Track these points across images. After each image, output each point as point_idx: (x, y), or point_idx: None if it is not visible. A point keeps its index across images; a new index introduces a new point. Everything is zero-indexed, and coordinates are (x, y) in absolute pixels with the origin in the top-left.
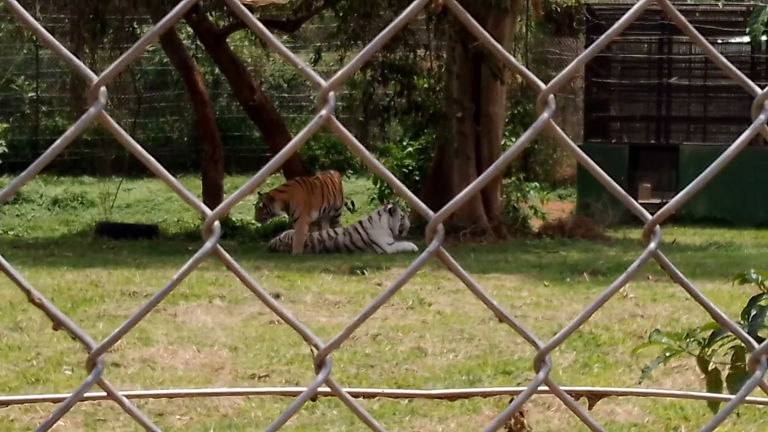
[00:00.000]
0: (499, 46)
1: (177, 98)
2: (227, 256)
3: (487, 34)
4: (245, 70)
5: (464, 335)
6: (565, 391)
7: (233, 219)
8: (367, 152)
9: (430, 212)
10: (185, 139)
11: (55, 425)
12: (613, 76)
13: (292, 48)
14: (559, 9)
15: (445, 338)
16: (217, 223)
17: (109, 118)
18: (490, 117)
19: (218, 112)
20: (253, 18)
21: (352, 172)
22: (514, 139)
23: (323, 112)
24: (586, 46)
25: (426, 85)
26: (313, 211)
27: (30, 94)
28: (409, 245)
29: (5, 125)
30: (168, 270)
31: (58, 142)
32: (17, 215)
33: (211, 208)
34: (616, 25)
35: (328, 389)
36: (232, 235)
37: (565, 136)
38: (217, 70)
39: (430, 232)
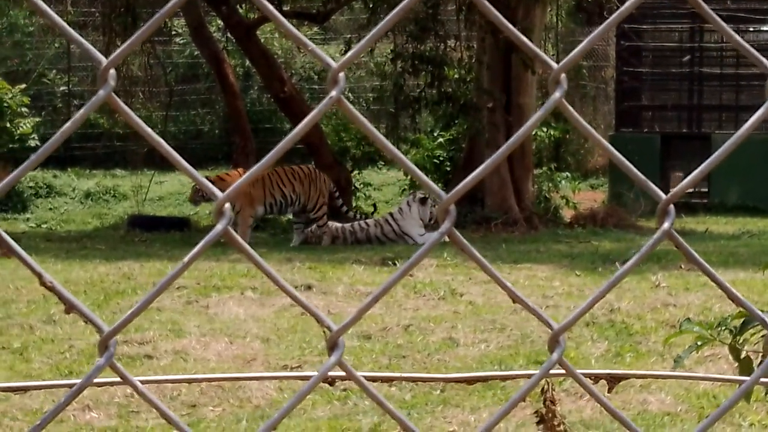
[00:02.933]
0: (509, 24)
1: (208, 91)
2: (238, 238)
3: (493, 9)
4: (276, 62)
5: (496, 325)
6: (585, 374)
7: None
8: (376, 132)
9: (442, 193)
10: (216, 131)
11: (88, 417)
12: (644, 65)
13: (321, 40)
14: None
15: (477, 328)
16: (227, 205)
17: (119, 101)
18: (521, 107)
19: (249, 105)
20: (267, 3)
21: (383, 163)
22: (545, 130)
23: (333, 93)
24: (617, 36)
25: (457, 76)
26: (256, 205)
27: (62, 88)
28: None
29: (37, 119)
30: (200, 262)
31: (66, 125)
32: (50, 209)
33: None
34: (627, 4)
35: (342, 373)
36: (264, 228)
37: (578, 116)
38: (247, 63)
39: (441, 212)
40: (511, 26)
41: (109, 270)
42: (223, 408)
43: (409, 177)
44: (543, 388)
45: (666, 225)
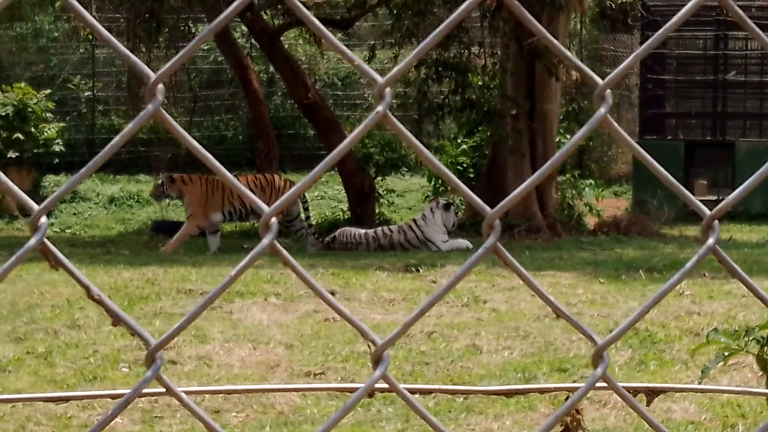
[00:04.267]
0: (557, 42)
1: (232, 96)
2: (285, 252)
3: (543, 29)
4: (299, 69)
5: (519, 332)
6: (623, 387)
7: None
8: (423, 148)
9: (487, 208)
10: (240, 137)
11: (112, 422)
12: (668, 72)
13: (345, 46)
14: (613, 5)
15: (500, 335)
16: (274, 219)
17: (167, 115)
18: (544, 114)
19: (273, 111)
20: (311, 15)
21: (406, 170)
22: (568, 137)
23: (379, 108)
24: (641, 43)
25: (480, 83)
26: (213, 212)
27: (86, 93)
28: (464, 242)
29: (62, 124)
30: (223, 268)
31: (116, 139)
32: (74, 214)
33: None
34: (674, 19)
35: (385, 385)
36: (287, 233)
37: (622, 131)
38: (271, 69)
39: (486, 228)
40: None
41: (133, 275)
42: (247, 414)
43: (432, 183)
44: (567, 397)
45: (711, 240)
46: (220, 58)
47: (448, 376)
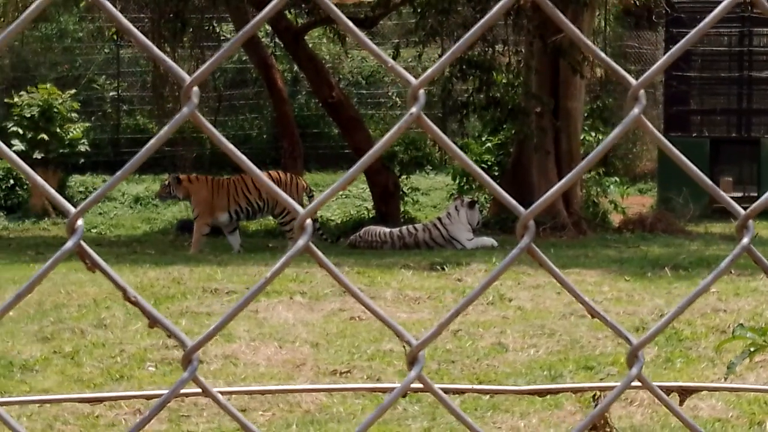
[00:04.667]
0: (589, 42)
1: (256, 96)
2: (320, 253)
3: (576, 29)
4: (324, 67)
5: (545, 330)
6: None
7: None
8: (457, 150)
9: (521, 209)
10: (264, 136)
11: (138, 420)
12: (693, 69)
13: None
14: (638, 2)
15: (526, 333)
16: (309, 221)
17: (202, 118)
18: (569, 112)
19: (297, 110)
20: (343, 16)
21: (431, 168)
22: (593, 134)
23: (413, 109)
24: (665, 40)
25: (504, 81)
26: (219, 212)
27: (111, 93)
28: (489, 240)
29: (87, 124)
30: (249, 267)
31: (152, 141)
32: (100, 213)
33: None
34: (710, 17)
35: (419, 385)
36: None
37: (656, 132)
38: (295, 68)
39: (521, 228)
40: (588, 41)
41: (159, 275)
42: (273, 413)
43: (456, 182)
44: (594, 395)
45: (745, 240)
46: (244, 58)
47: (474, 375)
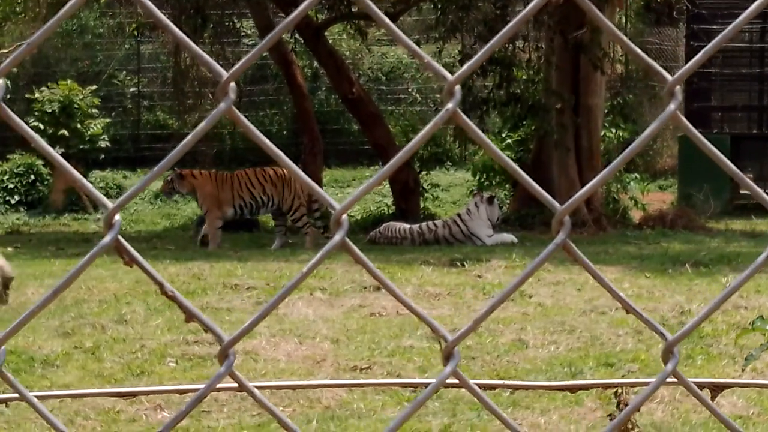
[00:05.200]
0: (627, 40)
1: (276, 92)
2: (356, 249)
3: (614, 27)
4: (344, 63)
5: (565, 327)
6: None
7: (332, 212)
8: (492, 145)
9: (557, 205)
10: (284, 132)
11: (159, 416)
12: (714, 65)
13: (389, 41)
14: None
15: (546, 330)
16: (345, 216)
17: (239, 113)
18: (589, 108)
19: (317, 105)
20: (381, 13)
21: (450, 164)
22: (613, 131)
23: (450, 105)
24: (686, 36)
25: (525, 77)
26: (225, 207)
27: (131, 89)
28: (509, 237)
29: (107, 120)
30: (269, 263)
31: (188, 138)
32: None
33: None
34: (746, 13)
35: (455, 381)
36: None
37: (692, 127)
38: (315, 64)
39: (556, 224)
40: (625, 38)
41: (179, 270)
42: (294, 408)
43: (476, 178)
44: (617, 392)
45: None
46: (264, 54)
47: (495, 371)
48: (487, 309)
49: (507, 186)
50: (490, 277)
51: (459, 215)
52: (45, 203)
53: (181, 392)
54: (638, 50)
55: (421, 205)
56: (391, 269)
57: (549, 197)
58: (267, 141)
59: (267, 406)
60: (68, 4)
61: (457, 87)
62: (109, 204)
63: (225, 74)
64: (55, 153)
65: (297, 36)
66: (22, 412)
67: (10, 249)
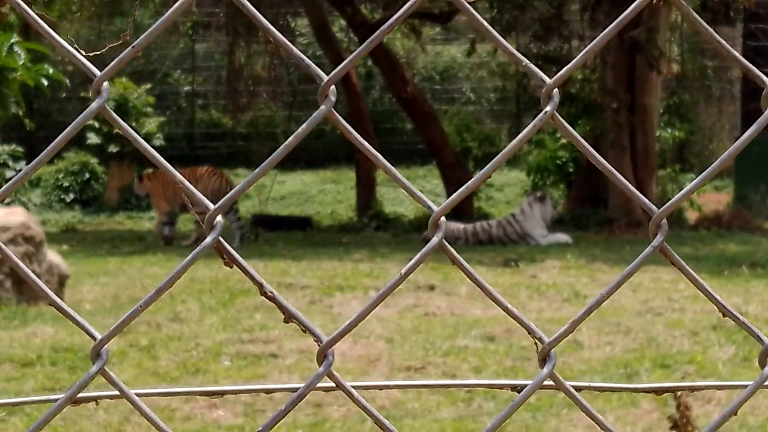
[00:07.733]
0: (724, 42)
1: None
2: (452, 250)
3: (711, 30)
4: (398, 63)
5: (621, 328)
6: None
7: (386, 211)
8: (591, 149)
9: (654, 207)
10: (338, 131)
11: (215, 415)
12: None
13: (444, 40)
14: None
15: (602, 331)
16: (443, 218)
17: (338, 116)
18: (645, 108)
19: (371, 104)
20: (477, 15)
21: (505, 164)
22: (669, 131)
23: (548, 108)
24: (743, 35)
25: (581, 76)
26: (174, 205)
27: (186, 88)
28: (564, 237)
29: (162, 118)
30: (323, 262)
31: (290, 139)
32: None
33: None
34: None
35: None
36: (386, 227)
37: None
38: (370, 63)
39: (654, 227)
40: (724, 42)
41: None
42: (348, 408)
43: (530, 178)
44: (677, 394)
45: None
46: (318, 53)
47: None
48: (584, 311)
49: (561, 186)
50: (544, 277)
51: (513, 215)
52: (100, 201)
53: (267, 391)
54: (736, 53)
55: (475, 205)
56: (445, 269)
57: (645, 200)
58: (365, 143)
59: (365, 406)
60: (176, 5)
61: (556, 90)
62: (211, 205)
63: (325, 77)
64: (157, 154)
65: (351, 35)
66: (78, 410)
67: (65, 247)
